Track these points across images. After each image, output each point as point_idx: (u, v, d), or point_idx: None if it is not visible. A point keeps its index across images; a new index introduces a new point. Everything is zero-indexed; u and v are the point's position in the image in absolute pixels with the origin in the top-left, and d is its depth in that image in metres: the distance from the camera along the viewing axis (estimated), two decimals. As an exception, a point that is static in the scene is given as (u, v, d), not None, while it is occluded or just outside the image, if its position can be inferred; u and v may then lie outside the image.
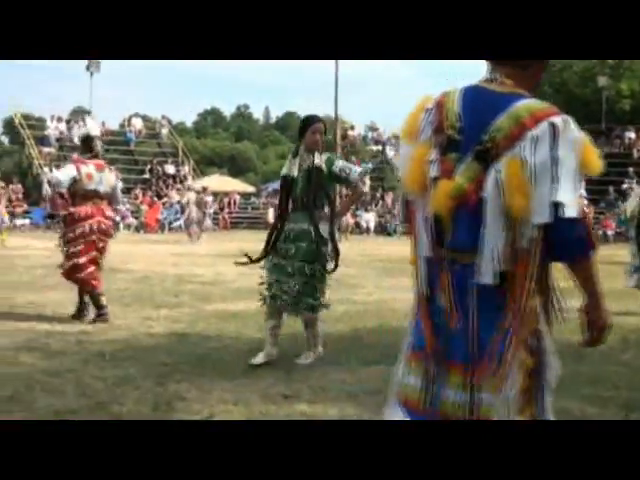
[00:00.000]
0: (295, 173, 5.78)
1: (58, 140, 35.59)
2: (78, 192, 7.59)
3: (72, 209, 7.58)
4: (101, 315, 7.55)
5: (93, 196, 7.66)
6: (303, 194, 5.74)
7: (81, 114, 42.69)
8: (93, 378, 5.21)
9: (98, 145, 7.99)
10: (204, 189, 27.60)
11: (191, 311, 8.33)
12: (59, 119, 36.78)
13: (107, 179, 7.83)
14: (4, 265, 13.17)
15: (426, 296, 2.46)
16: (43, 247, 17.82)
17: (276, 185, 44.11)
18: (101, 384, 5.06)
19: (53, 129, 35.71)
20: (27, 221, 28.76)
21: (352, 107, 73.93)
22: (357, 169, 6.24)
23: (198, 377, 5.29)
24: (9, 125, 40.99)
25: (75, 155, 7.65)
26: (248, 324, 7.52)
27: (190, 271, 13.02)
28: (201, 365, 5.67)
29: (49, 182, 7.12)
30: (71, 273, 7.64)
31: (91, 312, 7.69)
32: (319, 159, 5.75)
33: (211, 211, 36.51)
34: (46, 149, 34.31)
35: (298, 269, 5.66)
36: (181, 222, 30.69)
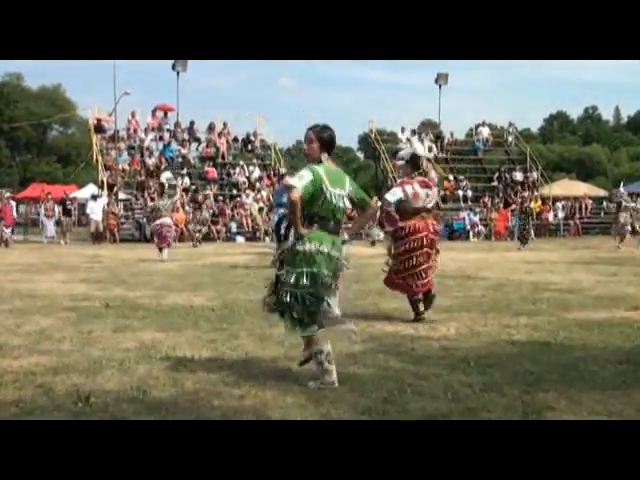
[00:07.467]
0: None
1: (411, 152, 36.79)
2: (407, 210, 7.97)
3: (401, 224, 8.07)
4: (418, 319, 8.04)
5: (421, 211, 8.09)
6: None
7: (429, 126, 43.88)
8: (460, 383, 5.29)
9: (424, 164, 8.42)
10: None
11: (551, 319, 8.14)
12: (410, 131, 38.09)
13: (433, 195, 8.27)
14: (366, 272, 13.94)
15: None
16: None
17: (632, 187, 41.56)
18: (468, 390, 5.12)
19: (405, 141, 37.08)
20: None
21: None
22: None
23: (566, 387, 5.15)
24: (364, 141, 43.35)
25: (405, 177, 8.18)
26: (614, 333, 7.20)
27: (545, 278, 12.77)
28: (568, 375, 5.52)
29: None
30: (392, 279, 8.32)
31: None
32: None
33: (561, 216, 35.55)
34: (399, 162, 35.72)
35: None
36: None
